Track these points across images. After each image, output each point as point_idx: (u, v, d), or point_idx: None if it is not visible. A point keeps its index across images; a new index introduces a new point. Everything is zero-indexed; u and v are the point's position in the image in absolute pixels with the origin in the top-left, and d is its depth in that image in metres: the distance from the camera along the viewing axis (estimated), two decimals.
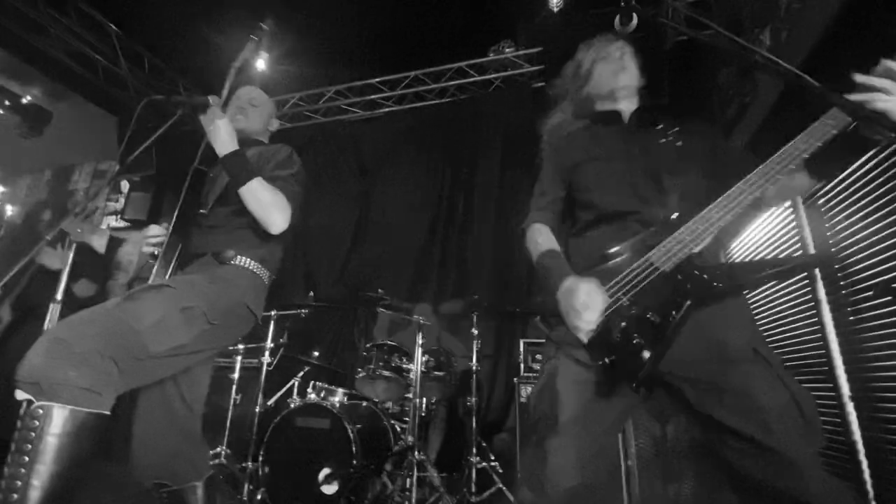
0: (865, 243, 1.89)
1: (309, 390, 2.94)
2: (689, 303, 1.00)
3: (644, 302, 1.04)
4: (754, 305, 3.03)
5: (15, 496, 0.93)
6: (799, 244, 2.46)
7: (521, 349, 2.96)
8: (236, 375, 3.00)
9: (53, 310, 1.31)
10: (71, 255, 1.35)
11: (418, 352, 2.70)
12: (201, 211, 1.48)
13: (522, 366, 2.96)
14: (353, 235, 4.55)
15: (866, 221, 1.87)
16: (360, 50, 4.29)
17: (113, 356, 1.07)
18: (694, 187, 1.15)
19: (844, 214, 2.01)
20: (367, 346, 3.10)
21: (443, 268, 4.20)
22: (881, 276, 1.79)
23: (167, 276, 1.37)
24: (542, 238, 1.26)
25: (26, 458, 0.95)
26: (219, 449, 2.78)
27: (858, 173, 1.88)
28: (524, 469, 1.14)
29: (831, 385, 2.18)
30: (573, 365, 1.10)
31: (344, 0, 3.75)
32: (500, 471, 2.77)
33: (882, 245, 1.78)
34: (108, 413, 1.07)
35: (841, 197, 2.05)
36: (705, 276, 1.02)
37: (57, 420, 0.98)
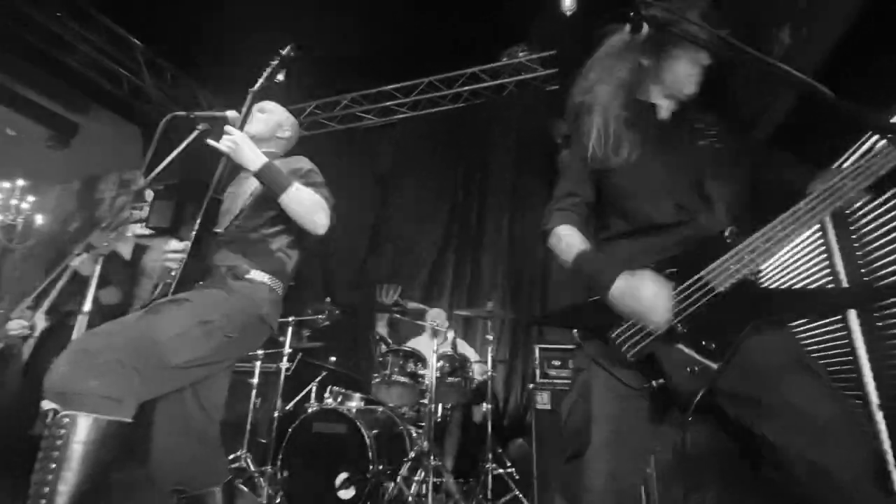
0: (892, 247, 1.84)
1: (326, 395, 2.98)
2: (749, 328, 0.93)
3: (696, 324, 0.97)
4: None
5: (43, 501, 0.97)
6: (826, 258, 2.40)
7: (537, 355, 2.94)
8: (256, 380, 3.05)
9: (81, 320, 1.36)
10: (98, 268, 1.39)
11: (433, 357, 2.71)
12: (217, 230, 1.52)
13: (538, 372, 2.94)
14: (368, 242, 4.60)
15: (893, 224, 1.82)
16: (375, 58, 4.34)
17: (135, 366, 1.11)
18: (739, 197, 1.08)
19: (872, 227, 1.96)
20: (383, 351, 3.12)
21: (457, 273, 4.21)
22: None
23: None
24: (575, 238, 1.15)
25: (53, 465, 0.99)
26: (239, 453, 2.82)
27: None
28: (561, 477, 1.09)
29: (860, 393, 2.11)
30: (609, 381, 1.03)
31: (357, 9, 3.81)
32: (517, 477, 2.75)
33: None
34: (129, 420, 1.11)
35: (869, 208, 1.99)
36: (770, 299, 0.96)
37: (82, 428, 1.02)
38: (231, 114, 1.61)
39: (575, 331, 1.13)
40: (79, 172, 6.88)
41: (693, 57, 1.18)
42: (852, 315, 2.18)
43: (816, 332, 2.59)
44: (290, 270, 1.65)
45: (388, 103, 4.87)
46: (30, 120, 4.91)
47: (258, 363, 3.09)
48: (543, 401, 2.79)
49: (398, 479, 2.49)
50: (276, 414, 2.89)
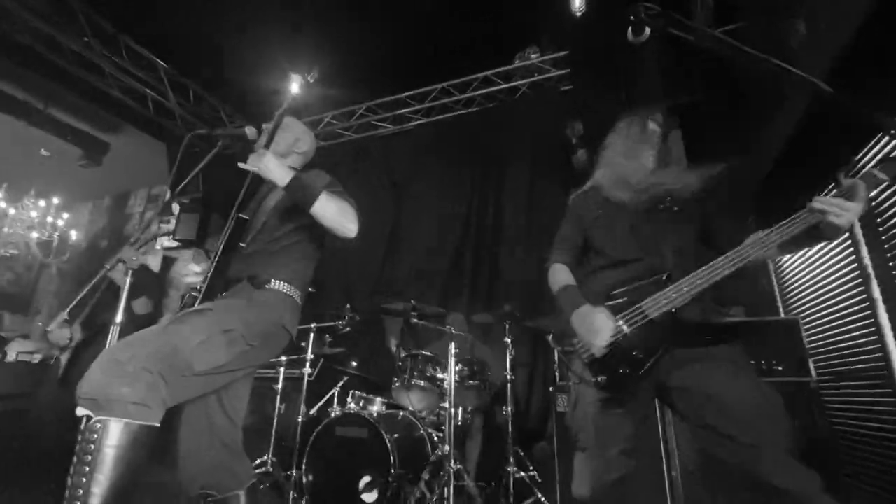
0: None
1: (349, 400, 3.02)
2: (664, 347, 1.31)
3: (634, 339, 1.34)
4: (806, 309, 2.88)
5: (78, 503, 1.02)
6: (852, 250, 2.34)
7: (556, 358, 2.93)
8: (280, 386, 3.12)
9: (114, 332, 1.43)
10: (128, 281, 1.47)
11: (451, 361, 2.72)
12: (241, 244, 1.58)
13: (557, 374, 2.92)
14: (386, 248, 4.64)
15: None
16: (388, 66, 4.40)
17: (161, 373, 1.17)
18: (688, 246, 1.44)
19: None
20: (402, 356, 3.15)
21: (475, 277, 4.21)
22: None
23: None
24: (562, 275, 1.58)
25: (87, 469, 1.05)
26: (265, 457, 2.89)
27: None
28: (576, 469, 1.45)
29: (890, 390, 2.05)
30: (588, 389, 1.39)
31: (369, 21, 3.88)
32: (539, 480, 2.74)
33: None
34: (157, 425, 1.16)
35: None
36: (680, 329, 1.31)
37: (113, 433, 1.08)
38: (249, 130, 1.67)
39: (559, 351, 1.50)
40: (110, 189, 7.19)
41: (634, 149, 1.58)
42: (881, 308, 2.12)
43: (844, 326, 2.51)
44: (309, 279, 1.70)
45: (402, 111, 4.93)
46: (63, 141, 5.16)
47: (282, 369, 3.15)
48: (564, 403, 2.77)
49: (420, 482, 2.50)
50: (299, 419, 2.95)
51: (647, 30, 1.08)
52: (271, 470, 2.84)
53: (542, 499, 2.61)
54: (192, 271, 1.57)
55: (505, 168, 4.45)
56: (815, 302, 2.80)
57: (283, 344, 1.57)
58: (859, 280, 2.32)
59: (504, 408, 2.89)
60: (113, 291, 2.52)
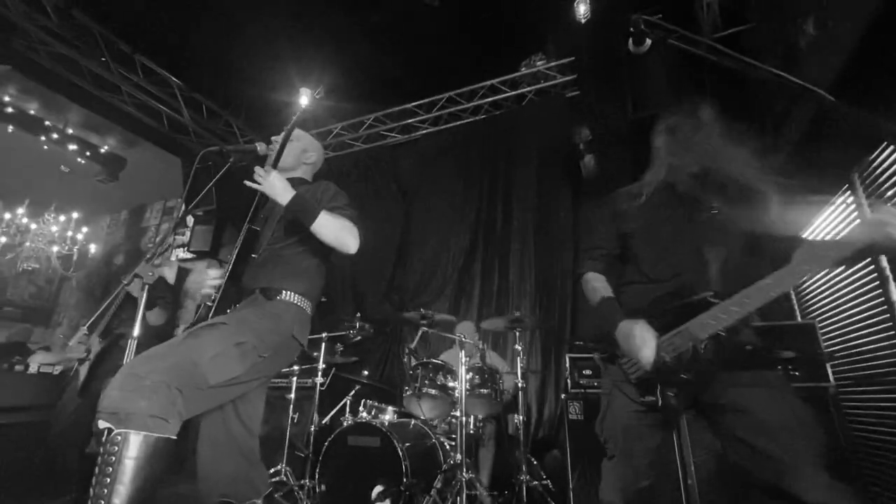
0: None
1: (361, 409, 3.04)
2: (712, 371, 1.25)
3: (680, 360, 1.27)
4: (823, 312, 2.83)
5: None
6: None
7: (567, 365, 2.91)
8: (293, 396, 3.14)
9: (131, 345, 1.47)
10: (144, 295, 1.51)
11: (462, 369, 2.73)
12: (252, 255, 1.62)
13: (569, 381, 2.91)
14: (395, 256, 4.67)
15: None
16: (396, 77, 4.47)
17: (178, 386, 1.20)
18: (733, 257, 1.34)
19: None
20: (413, 364, 3.16)
21: (484, 284, 4.22)
22: None
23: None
24: (600, 284, 1.51)
25: (108, 479, 1.08)
26: (279, 466, 2.91)
27: None
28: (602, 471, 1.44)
29: None
30: (623, 398, 1.37)
31: (376, 34, 3.94)
32: (552, 489, 2.72)
33: None
34: (175, 437, 1.19)
35: None
36: (731, 353, 1.24)
37: (133, 445, 1.11)
38: (259, 146, 1.72)
39: (597, 357, 1.48)
40: (127, 202, 7.36)
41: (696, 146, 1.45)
42: None
43: (862, 329, 2.48)
44: (319, 289, 1.73)
45: (410, 120, 4.98)
46: (82, 158, 5.31)
47: (294, 379, 3.18)
48: (576, 411, 2.75)
49: (433, 491, 2.50)
50: (312, 428, 2.97)
51: (648, 41, 1.09)
52: (285, 479, 2.86)
53: None
54: (209, 277, 1.61)
55: (512, 174, 4.47)
56: (832, 305, 2.76)
57: (294, 354, 1.60)
58: (877, 283, 2.29)
59: (516, 416, 2.88)
60: (130, 305, 2.58)
